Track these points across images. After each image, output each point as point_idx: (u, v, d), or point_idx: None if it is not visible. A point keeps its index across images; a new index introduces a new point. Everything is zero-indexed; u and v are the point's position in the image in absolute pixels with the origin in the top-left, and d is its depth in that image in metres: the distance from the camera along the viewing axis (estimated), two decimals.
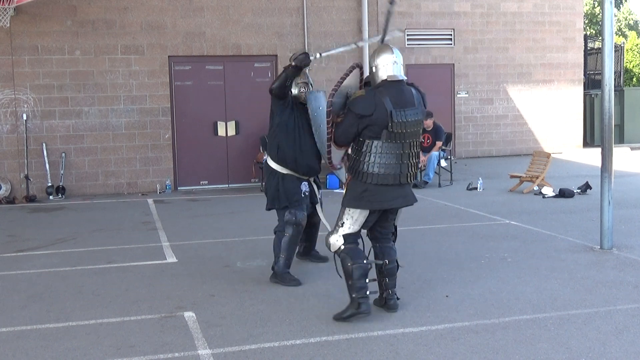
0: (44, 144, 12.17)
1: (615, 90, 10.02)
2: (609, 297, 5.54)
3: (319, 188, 6.55)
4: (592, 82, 19.74)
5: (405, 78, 5.10)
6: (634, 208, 9.73)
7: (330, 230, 5.24)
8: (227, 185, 13.15)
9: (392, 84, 4.98)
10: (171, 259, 7.27)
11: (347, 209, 5.10)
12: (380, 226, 5.26)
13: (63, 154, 12.31)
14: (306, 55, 6.10)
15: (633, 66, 27.39)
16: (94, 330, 4.99)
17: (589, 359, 4.30)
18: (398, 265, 5.32)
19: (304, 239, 6.72)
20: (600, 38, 9.58)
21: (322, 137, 6.16)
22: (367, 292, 4.98)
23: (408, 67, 14.50)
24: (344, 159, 5.45)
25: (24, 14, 12.02)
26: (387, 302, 5.25)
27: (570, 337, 4.66)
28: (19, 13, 11.96)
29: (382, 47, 5.10)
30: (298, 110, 6.30)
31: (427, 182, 12.65)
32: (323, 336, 4.76)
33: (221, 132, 13.11)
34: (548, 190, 11.22)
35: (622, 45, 22.47)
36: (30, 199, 11.91)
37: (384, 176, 4.93)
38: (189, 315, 5.29)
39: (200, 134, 13.09)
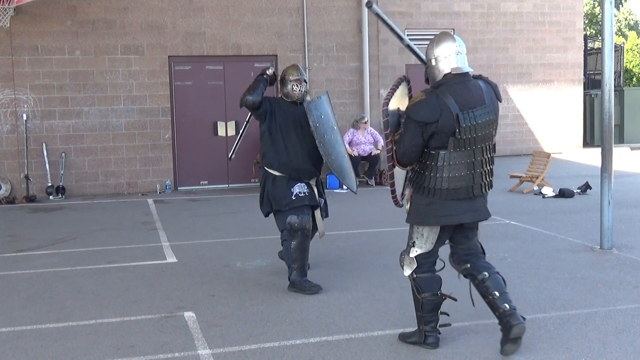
0: (44, 144, 12.17)
1: (615, 90, 10.02)
2: (609, 297, 5.54)
3: (321, 192, 6.16)
4: (592, 82, 19.74)
5: (472, 70, 4.32)
6: (634, 208, 9.73)
7: (404, 249, 4.49)
8: (227, 185, 13.15)
9: (455, 80, 4.20)
10: (171, 259, 7.27)
11: (414, 227, 4.39)
12: (461, 248, 4.50)
13: (63, 154, 12.31)
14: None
15: (633, 66, 27.38)
16: (94, 330, 4.99)
17: (589, 359, 4.30)
18: (503, 278, 4.43)
19: None
20: (600, 38, 9.57)
21: (327, 147, 5.87)
22: (438, 325, 4.49)
23: (408, 67, 14.47)
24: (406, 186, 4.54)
25: (24, 14, 12.02)
26: (508, 324, 4.24)
27: (570, 337, 4.66)
28: (19, 13, 11.95)
29: (442, 35, 4.30)
30: (282, 111, 5.96)
31: None
32: (323, 336, 4.76)
33: (221, 132, 13.11)
34: (548, 190, 11.22)
35: (622, 45, 22.46)
36: (30, 199, 11.91)
37: (453, 191, 4.21)
38: (189, 315, 5.28)
39: (200, 134, 13.09)
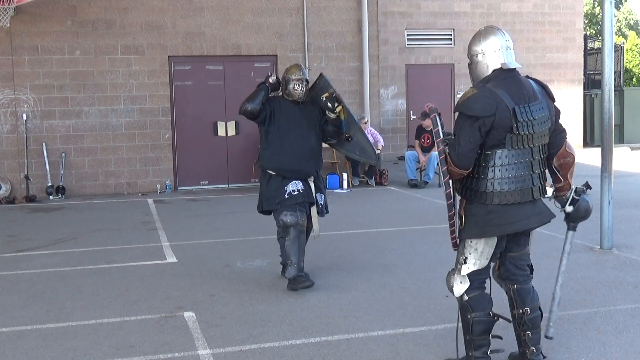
0: (44, 144, 12.17)
1: (615, 90, 10.01)
2: (609, 297, 5.54)
3: (321, 188, 6.13)
4: (592, 82, 19.75)
5: (521, 67, 3.99)
6: (634, 208, 9.73)
7: (452, 268, 4.06)
8: (227, 185, 13.15)
9: (507, 75, 3.88)
10: (171, 259, 7.27)
11: (468, 242, 3.93)
12: (513, 257, 4.14)
13: (63, 154, 12.31)
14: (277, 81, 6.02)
15: (633, 66, 27.38)
16: (94, 330, 4.99)
17: (589, 359, 4.30)
18: (542, 313, 4.12)
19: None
20: (600, 38, 9.57)
21: (353, 124, 6.09)
22: (489, 351, 4.03)
23: (408, 67, 14.50)
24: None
25: (24, 14, 12.02)
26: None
27: (570, 337, 4.66)
28: (19, 13, 11.95)
29: (489, 28, 3.98)
30: (283, 111, 5.99)
31: (427, 182, 12.66)
32: (323, 336, 4.76)
33: (221, 132, 13.11)
34: (548, 191, 11.21)
35: (622, 45, 22.47)
36: (30, 199, 11.91)
37: (513, 193, 3.84)
38: (189, 315, 5.28)
39: (200, 134, 13.09)
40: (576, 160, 4.31)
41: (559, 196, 4.15)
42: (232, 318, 5.20)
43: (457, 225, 4.01)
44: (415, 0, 16.30)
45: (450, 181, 3.90)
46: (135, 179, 12.76)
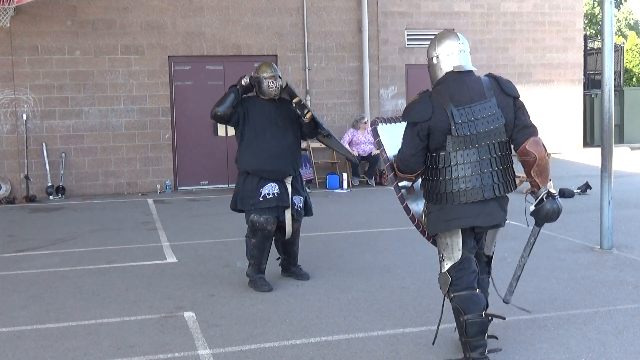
0: (44, 144, 12.17)
1: (615, 90, 10.02)
2: (609, 297, 5.54)
3: (300, 190, 6.08)
4: (592, 82, 19.75)
5: (475, 69, 4.13)
6: (634, 208, 9.73)
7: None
8: (227, 185, 13.14)
9: (455, 77, 4.02)
10: (171, 259, 7.27)
11: (438, 239, 4.14)
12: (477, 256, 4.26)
13: (63, 154, 12.31)
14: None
15: (633, 66, 27.39)
16: (94, 330, 4.99)
17: (589, 359, 4.30)
18: (487, 304, 4.22)
19: (280, 250, 6.27)
20: (600, 38, 9.57)
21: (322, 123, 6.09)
22: (486, 351, 4.00)
23: (408, 67, 14.49)
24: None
25: (24, 14, 12.02)
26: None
27: (570, 337, 4.66)
28: (19, 13, 11.95)
29: (445, 32, 4.14)
30: (257, 111, 5.97)
31: None
32: (323, 336, 4.76)
33: (221, 132, 13.10)
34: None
35: (622, 45, 22.47)
36: (30, 199, 11.91)
37: (462, 193, 3.94)
38: (189, 315, 5.28)
39: (200, 134, 13.09)
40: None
41: (533, 192, 4.16)
42: (232, 318, 5.20)
43: (423, 223, 4.24)
44: (415, 0, 16.29)
45: (401, 183, 4.17)
46: (135, 179, 12.76)
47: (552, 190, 4.10)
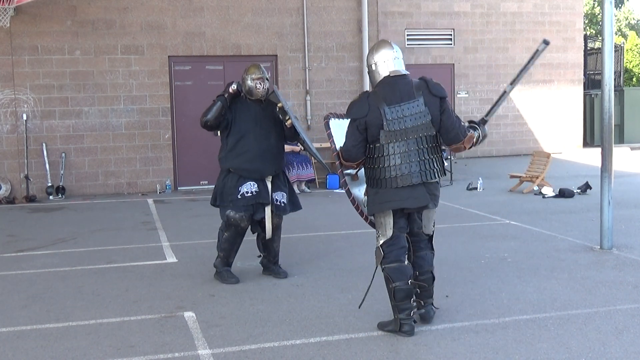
0: (44, 144, 12.17)
1: (615, 90, 10.02)
2: (609, 297, 5.54)
3: (281, 186, 6.20)
4: (592, 82, 19.76)
5: (408, 73, 4.78)
6: (634, 208, 9.73)
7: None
8: None
9: (389, 80, 4.69)
10: (171, 259, 7.28)
11: (374, 218, 4.84)
12: (409, 233, 4.89)
13: (63, 154, 12.31)
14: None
15: (633, 66, 27.40)
16: (94, 330, 4.99)
17: (589, 359, 4.30)
18: (434, 277, 4.95)
19: (261, 248, 6.39)
20: (600, 38, 9.57)
21: (299, 127, 6.15)
22: (412, 313, 4.70)
23: (408, 67, 14.50)
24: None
25: (24, 14, 12.02)
26: (420, 314, 4.92)
27: (570, 337, 4.66)
28: (19, 13, 11.95)
29: (381, 42, 4.82)
30: (244, 112, 6.09)
31: None
32: (323, 336, 4.76)
33: None
34: (548, 190, 11.23)
35: (622, 45, 22.47)
36: (30, 199, 11.91)
37: (393, 179, 4.61)
38: (189, 315, 5.28)
39: (200, 134, 12.98)
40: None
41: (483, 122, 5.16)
42: (232, 318, 5.20)
43: (362, 207, 4.97)
44: (415, 0, 16.30)
45: (346, 171, 4.93)
46: (135, 179, 12.76)
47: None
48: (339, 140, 4.91)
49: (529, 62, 5.11)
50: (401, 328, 4.67)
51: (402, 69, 4.75)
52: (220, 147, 6.24)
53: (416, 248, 4.88)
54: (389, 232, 4.71)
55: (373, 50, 4.80)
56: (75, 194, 12.36)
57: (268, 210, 6.11)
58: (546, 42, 4.88)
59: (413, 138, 4.62)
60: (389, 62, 4.72)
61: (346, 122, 4.86)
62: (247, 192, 6.00)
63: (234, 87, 6.10)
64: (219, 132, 6.20)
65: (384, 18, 15.69)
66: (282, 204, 6.19)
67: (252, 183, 6.01)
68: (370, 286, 5.02)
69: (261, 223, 6.16)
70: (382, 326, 4.83)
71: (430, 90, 4.70)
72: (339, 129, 5.01)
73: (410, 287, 4.67)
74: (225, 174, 6.11)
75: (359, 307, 5.12)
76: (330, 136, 5.00)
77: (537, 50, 5.03)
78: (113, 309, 5.50)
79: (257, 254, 6.53)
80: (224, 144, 6.16)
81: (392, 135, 4.61)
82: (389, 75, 4.69)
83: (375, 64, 4.75)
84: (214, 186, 6.33)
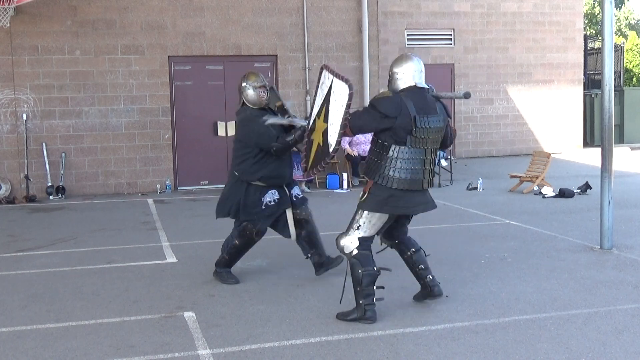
0: (44, 144, 12.17)
1: (615, 90, 10.02)
2: (609, 297, 5.54)
3: (294, 184, 6.25)
4: (592, 82, 19.76)
5: (428, 87, 5.09)
6: (634, 208, 9.73)
7: (343, 232, 5.09)
8: None
9: (416, 90, 4.97)
10: (171, 259, 7.28)
11: (366, 213, 5.02)
12: (397, 231, 5.35)
13: (63, 154, 12.31)
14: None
15: (633, 66, 27.40)
16: (94, 330, 4.99)
17: (589, 359, 4.30)
18: (424, 252, 5.39)
19: (306, 248, 6.26)
20: (600, 38, 9.57)
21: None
22: (374, 299, 4.97)
23: None
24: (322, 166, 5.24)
25: (24, 14, 12.02)
26: (431, 290, 5.28)
27: (570, 337, 4.66)
28: (19, 13, 11.95)
29: (406, 56, 5.12)
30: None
31: None
32: (323, 336, 4.76)
33: (221, 132, 13.11)
34: (548, 190, 11.23)
35: (622, 45, 22.47)
36: (30, 199, 11.91)
37: (410, 181, 4.91)
38: (189, 315, 5.29)
39: (200, 134, 13.09)
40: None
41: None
42: (232, 318, 5.20)
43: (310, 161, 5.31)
44: (415, 0, 16.30)
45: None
46: (135, 179, 12.76)
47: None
48: (320, 97, 5.38)
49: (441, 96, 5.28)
50: (365, 314, 4.92)
51: (423, 83, 5.04)
52: (241, 160, 6.02)
53: (400, 233, 5.37)
54: (373, 232, 5.08)
55: (398, 61, 5.06)
56: (75, 194, 12.35)
57: (289, 212, 6.12)
58: (466, 96, 5.01)
59: (430, 148, 4.99)
60: (416, 74, 5.00)
61: (337, 83, 5.13)
62: (270, 202, 6.00)
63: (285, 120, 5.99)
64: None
65: (384, 18, 15.69)
66: (299, 197, 6.21)
67: (273, 191, 6.00)
68: (346, 278, 5.19)
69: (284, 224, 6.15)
70: (343, 316, 5.04)
71: (445, 109, 5.10)
72: (322, 88, 5.40)
73: (376, 272, 5.00)
74: (246, 187, 5.98)
75: (340, 303, 5.23)
76: (319, 86, 5.35)
77: (455, 95, 5.33)
78: (113, 308, 5.50)
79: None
80: (246, 156, 5.97)
81: (417, 141, 4.91)
82: (415, 85, 4.97)
83: (402, 73, 5.00)
84: (220, 195, 6.23)
